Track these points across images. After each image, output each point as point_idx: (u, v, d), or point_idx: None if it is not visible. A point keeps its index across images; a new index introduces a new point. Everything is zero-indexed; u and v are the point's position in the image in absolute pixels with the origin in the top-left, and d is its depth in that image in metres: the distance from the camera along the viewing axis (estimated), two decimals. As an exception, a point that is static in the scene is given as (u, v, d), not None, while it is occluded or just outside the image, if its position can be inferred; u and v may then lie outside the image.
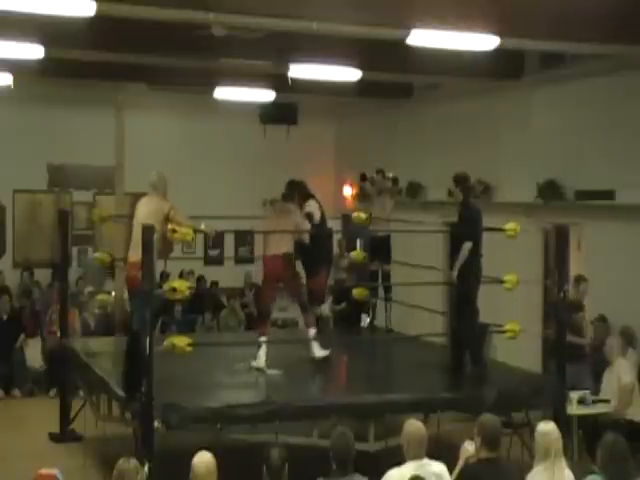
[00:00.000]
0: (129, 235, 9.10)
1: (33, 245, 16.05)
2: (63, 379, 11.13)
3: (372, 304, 12.24)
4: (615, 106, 11.26)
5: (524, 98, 12.90)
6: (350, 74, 10.86)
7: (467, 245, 9.17)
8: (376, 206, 12.15)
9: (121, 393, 8.43)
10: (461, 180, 9.53)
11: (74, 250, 15.29)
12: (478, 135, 13.73)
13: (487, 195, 13.30)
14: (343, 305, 13.90)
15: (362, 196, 15.06)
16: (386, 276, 12.15)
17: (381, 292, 12.26)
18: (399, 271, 12.15)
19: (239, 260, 17.15)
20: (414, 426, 6.00)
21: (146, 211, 8.69)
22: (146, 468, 6.68)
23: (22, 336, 13.54)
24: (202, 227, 9.17)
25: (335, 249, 17.21)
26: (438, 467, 5.94)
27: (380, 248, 12.01)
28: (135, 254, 8.34)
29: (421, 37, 8.11)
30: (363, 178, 12.97)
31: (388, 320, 12.11)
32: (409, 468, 5.76)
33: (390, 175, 12.36)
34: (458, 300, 9.62)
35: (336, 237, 16.75)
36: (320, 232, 10.12)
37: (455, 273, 9.21)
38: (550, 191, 12.03)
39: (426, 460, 5.91)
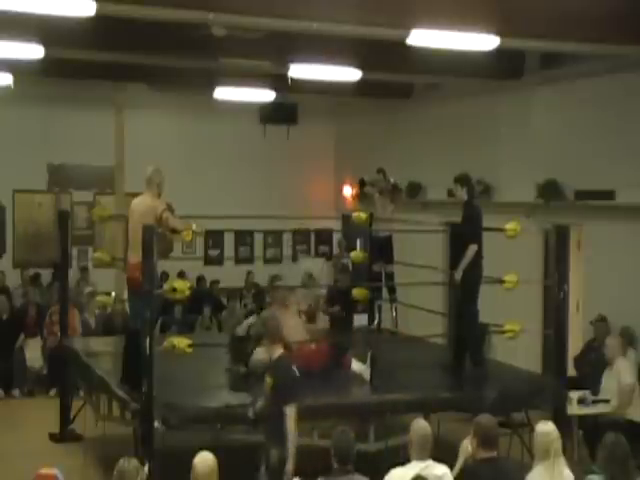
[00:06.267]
0: (125, 236, 9.07)
1: (33, 245, 16.06)
2: (63, 379, 11.14)
3: (378, 306, 12.18)
4: (615, 106, 11.26)
5: (524, 98, 12.91)
6: (350, 74, 10.86)
7: (473, 247, 9.17)
8: (377, 206, 12.12)
9: (121, 393, 8.43)
10: (466, 180, 9.55)
11: (74, 250, 15.29)
12: (478, 135, 13.74)
13: (487, 195, 13.30)
14: (335, 308, 13.82)
15: (363, 197, 15.05)
16: (389, 277, 12.10)
17: (385, 293, 12.22)
18: (399, 271, 12.14)
19: (239, 260, 17.16)
20: (418, 425, 6.00)
21: (140, 211, 8.66)
22: (146, 468, 6.67)
23: (22, 336, 13.55)
24: (193, 227, 9.14)
25: (335, 249, 17.28)
26: (441, 470, 5.92)
27: (382, 248, 11.98)
28: (136, 255, 8.32)
29: (421, 37, 8.11)
30: (362, 184, 12.90)
31: (394, 322, 12.04)
32: (413, 468, 5.76)
33: (392, 180, 12.29)
34: (458, 301, 9.64)
35: (336, 237, 16.81)
36: None
37: (460, 274, 9.22)
38: (550, 191, 12.03)
39: (430, 462, 5.90)
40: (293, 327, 9.20)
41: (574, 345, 10.97)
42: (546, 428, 5.96)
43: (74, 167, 16.33)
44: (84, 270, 15.56)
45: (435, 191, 14.50)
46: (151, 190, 8.74)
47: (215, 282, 15.92)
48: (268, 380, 7.05)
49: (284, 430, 6.69)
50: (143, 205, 8.66)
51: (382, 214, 11.98)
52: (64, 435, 10.74)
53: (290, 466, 6.60)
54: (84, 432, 10.47)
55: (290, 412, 6.74)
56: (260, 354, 8.52)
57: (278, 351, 7.09)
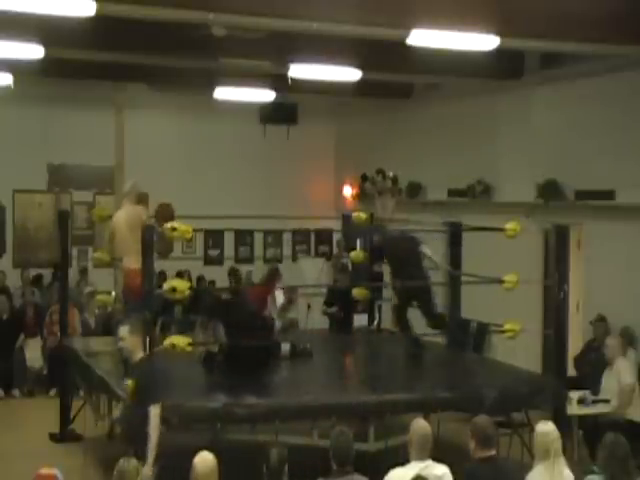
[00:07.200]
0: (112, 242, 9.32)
1: (33, 245, 16.05)
2: (63, 379, 11.14)
3: (378, 306, 12.19)
4: (615, 106, 11.26)
5: (524, 98, 12.90)
6: (350, 74, 10.86)
7: None
8: (377, 206, 12.16)
9: (121, 393, 8.42)
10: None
11: (74, 250, 15.29)
12: (478, 135, 13.73)
13: (487, 195, 13.30)
14: (334, 309, 13.78)
15: (363, 196, 15.07)
16: None
17: (385, 293, 12.21)
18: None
19: (239, 260, 17.14)
20: (418, 425, 5.99)
21: (126, 220, 8.82)
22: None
23: (22, 336, 13.55)
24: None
25: (335, 249, 17.29)
26: (441, 470, 5.91)
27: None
28: (135, 261, 8.36)
29: (421, 37, 8.11)
30: (364, 178, 12.97)
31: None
32: (412, 468, 5.75)
33: (390, 174, 12.35)
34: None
35: (336, 237, 16.82)
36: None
37: None
38: (550, 191, 12.03)
39: (430, 462, 5.89)
40: None
41: (574, 345, 10.99)
42: (546, 428, 5.96)
43: (74, 167, 16.32)
44: (84, 270, 15.56)
45: (435, 191, 14.50)
46: (130, 200, 9.32)
47: (211, 282, 15.88)
48: (129, 384, 7.07)
49: (147, 432, 6.69)
50: (126, 214, 9.15)
51: (382, 214, 12.01)
52: (64, 435, 10.74)
53: (148, 470, 6.55)
54: (84, 432, 10.47)
55: (155, 411, 6.78)
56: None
57: (139, 354, 7.16)
